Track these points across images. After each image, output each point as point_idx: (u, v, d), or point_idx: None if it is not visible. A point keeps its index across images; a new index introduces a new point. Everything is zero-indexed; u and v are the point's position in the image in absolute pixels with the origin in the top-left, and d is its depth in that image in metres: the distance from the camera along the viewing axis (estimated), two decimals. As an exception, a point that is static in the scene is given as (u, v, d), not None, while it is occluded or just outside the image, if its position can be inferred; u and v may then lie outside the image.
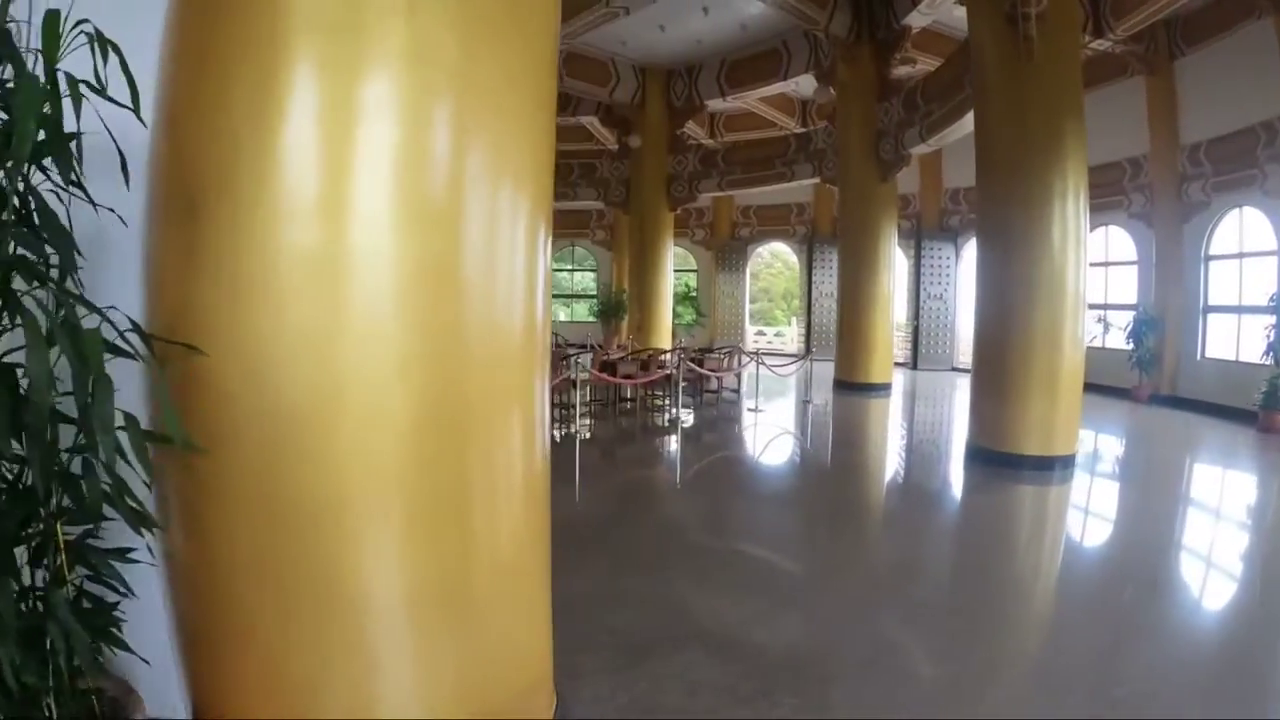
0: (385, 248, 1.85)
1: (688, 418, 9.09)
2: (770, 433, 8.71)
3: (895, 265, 11.81)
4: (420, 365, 1.91)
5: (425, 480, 1.94)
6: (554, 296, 19.55)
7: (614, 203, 15.92)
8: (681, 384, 8.41)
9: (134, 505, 1.63)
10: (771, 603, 3.62)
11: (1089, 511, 5.67)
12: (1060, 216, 6.28)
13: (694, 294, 18.84)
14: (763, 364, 10.34)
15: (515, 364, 2.17)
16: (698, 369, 9.60)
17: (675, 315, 16.86)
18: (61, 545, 1.60)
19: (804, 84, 12.98)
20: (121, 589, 1.71)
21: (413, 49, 1.87)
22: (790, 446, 8.13)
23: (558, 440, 7.23)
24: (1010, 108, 6.46)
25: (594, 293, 19.81)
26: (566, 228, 19.15)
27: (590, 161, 16.30)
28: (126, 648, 1.77)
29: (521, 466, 2.20)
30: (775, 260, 24.54)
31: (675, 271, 15.97)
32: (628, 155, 14.81)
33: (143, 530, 1.66)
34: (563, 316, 20.55)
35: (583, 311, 20.24)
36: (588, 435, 7.80)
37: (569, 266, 20.89)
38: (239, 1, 1.85)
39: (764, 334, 18.55)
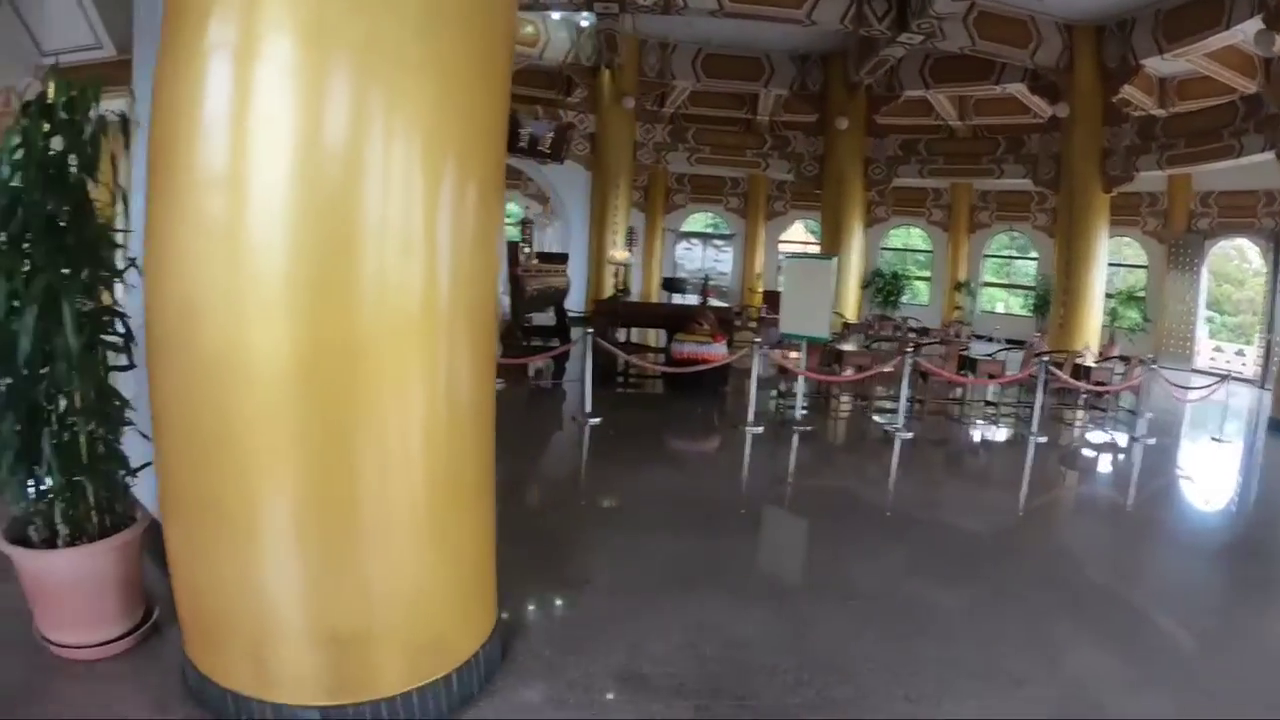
0: (278, 212, 2.13)
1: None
2: (1148, 477, 6.80)
3: None
4: (306, 320, 2.19)
5: (311, 419, 2.24)
6: (994, 286, 18.58)
7: (1043, 182, 13.80)
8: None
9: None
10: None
11: None
12: None
13: (1139, 294, 15.37)
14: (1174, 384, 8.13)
15: (413, 321, 2.33)
16: (1060, 375, 8.06)
17: (1114, 317, 14.36)
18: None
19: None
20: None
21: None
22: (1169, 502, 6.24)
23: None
24: None
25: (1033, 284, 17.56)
26: (1004, 209, 17.38)
27: (1017, 136, 14.47)
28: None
29: (421, 411, 2.40)
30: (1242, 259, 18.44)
31: (1115, 266, 13.26)
32: (1058, 128, 12.76)
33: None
34: (1000, 309, 18.71)
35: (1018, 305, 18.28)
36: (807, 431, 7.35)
37: (1007, 253, 18.87)
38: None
39: (1221, 350, 14.18)
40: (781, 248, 20.06)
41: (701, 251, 21.80)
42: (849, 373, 8.05)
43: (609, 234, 15.70)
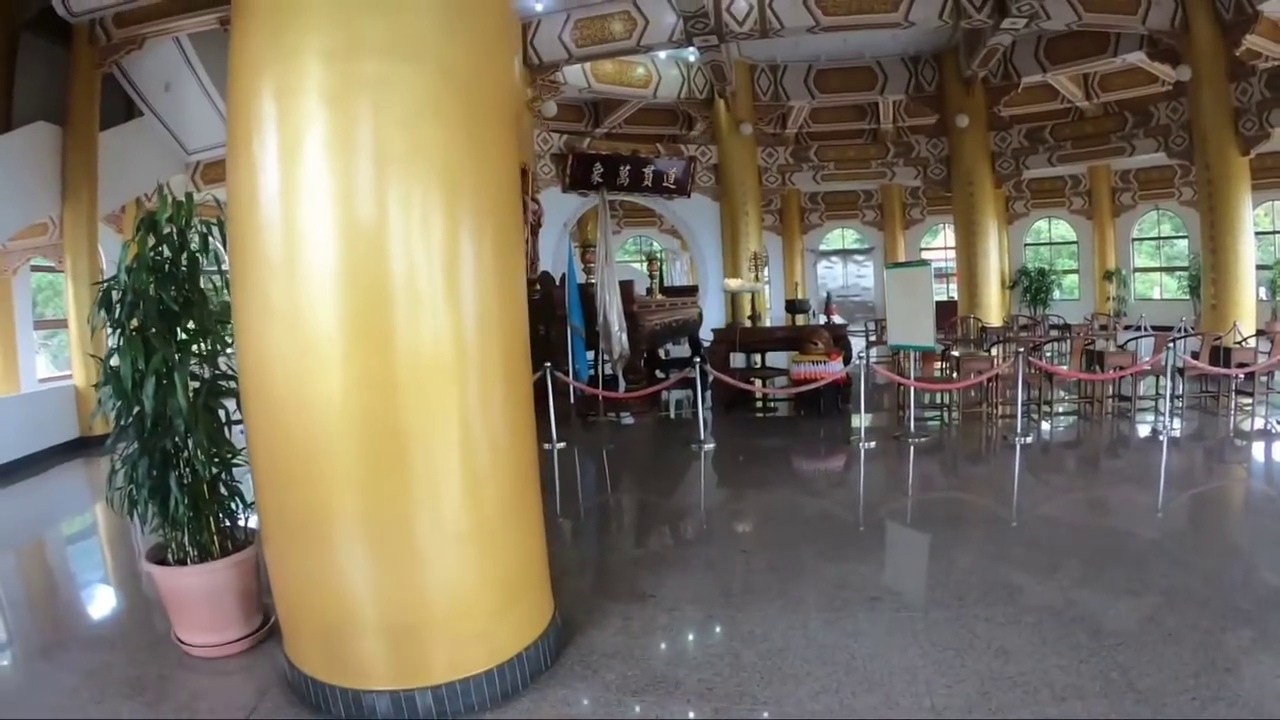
0: (329, 265, 2.57)
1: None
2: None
3: None
4: (354, 369, 2.62)
5: (365, 450, 2.66)
6: (1146, 270, 16.78)
7: (1177, 153, 12.52)
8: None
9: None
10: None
11: None
12: None
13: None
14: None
15: (446, 361, 2.72)
16: (1193, 361, 7.30)
17: (1276, 290, 13.07)
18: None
19: None
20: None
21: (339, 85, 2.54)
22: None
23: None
24: None
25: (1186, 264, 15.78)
26: (1146, 188, 15.83)
27: (1145, 109, 13.22)
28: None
29: (459, 437, 2.77)
30: None
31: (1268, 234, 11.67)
32: (1184, 93, 11.54)
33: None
34: (1156, 294, 17.00)
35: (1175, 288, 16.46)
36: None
37: (1156, 235, 17.01)
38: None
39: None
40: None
41: (843, 268, 21.43)
42: (969, 379, 7.73)
43: (744, 261, 15.93)
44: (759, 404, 9.63)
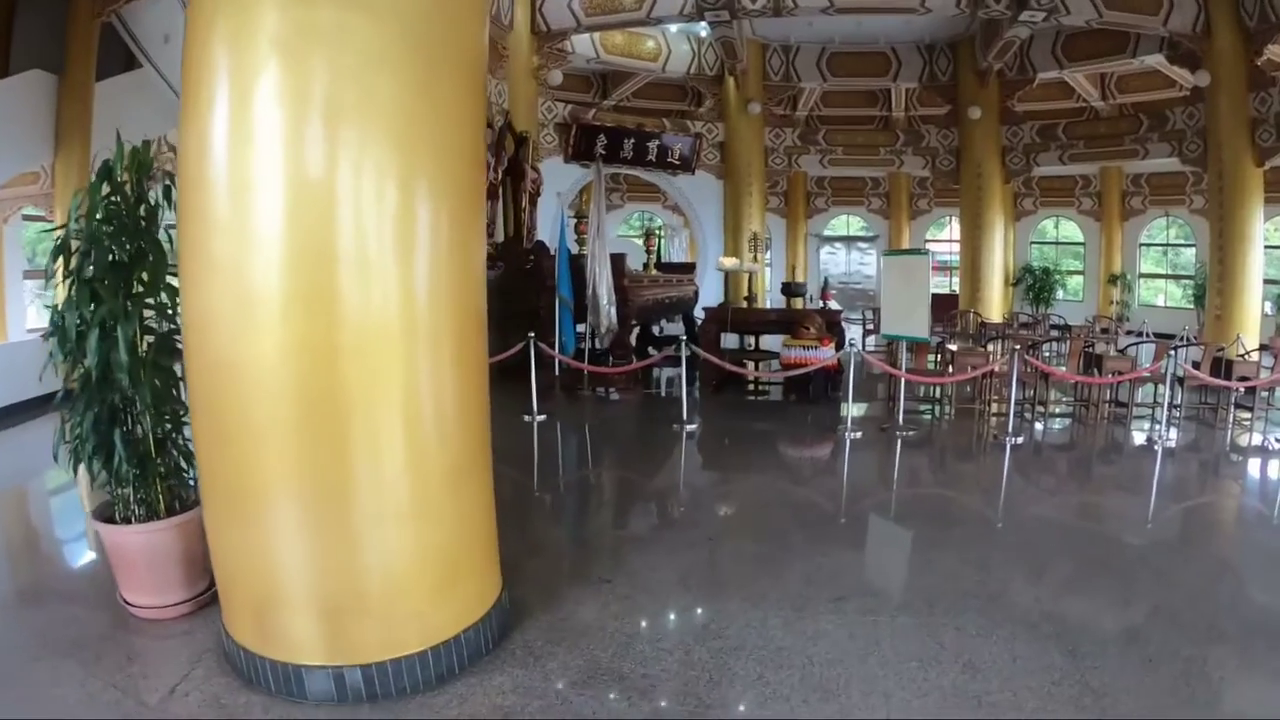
0: (280, 233, 2.44)
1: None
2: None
3: None
4: (295, 331, 2.49)
5: (303, 416, 2.54)
6: (1151, 277, 16.54)
7: (1190, 159, 12.28)
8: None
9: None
10: None
11: None
12: None
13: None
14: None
15: (390, 329, 2.60)
16: (1194, 371, 7.18)
17: None
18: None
19: None
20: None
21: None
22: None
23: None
24: None
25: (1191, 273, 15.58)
26: (1157, 194, 15.57)
27: (1160, 112, 12.96)
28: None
29: (401, 407, 2.66)
30: None
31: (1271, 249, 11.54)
32: (1201, 99, 11.29)
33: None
34: (1160, 301, 16.82)
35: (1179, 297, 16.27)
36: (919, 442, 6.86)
37: (1163, 241, 16.79)
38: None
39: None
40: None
41: (846, 255, 21.16)
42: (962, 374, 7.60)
43: (744, 242, 15.74)
44: (750, 386, 9.49)
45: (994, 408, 7.73)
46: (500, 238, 11.08)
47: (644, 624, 3.18)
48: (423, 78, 2.59)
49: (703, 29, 13.80)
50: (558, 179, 14.20)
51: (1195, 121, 12.10)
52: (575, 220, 9.77)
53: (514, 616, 3.20)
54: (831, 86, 15.42)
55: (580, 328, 9.15)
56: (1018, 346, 7.05)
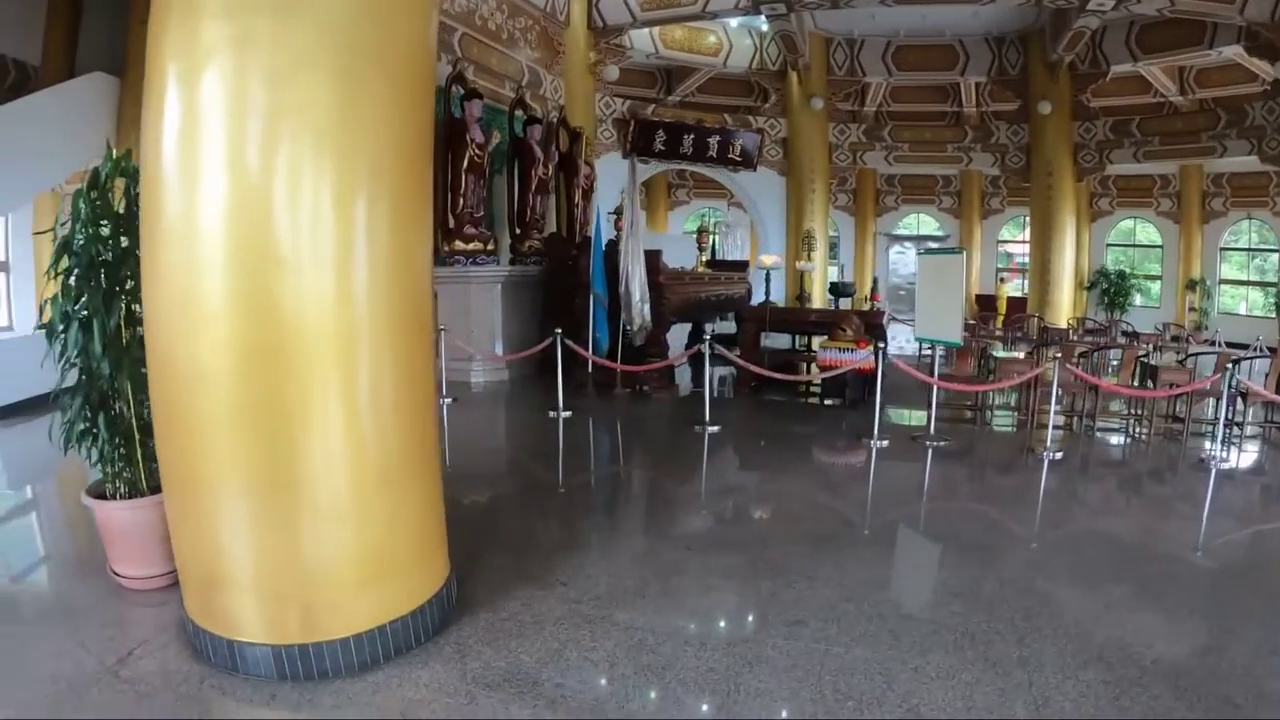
0: (220, 236, 2.56)
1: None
2: None
3: None
4: (238, 329, 2.60)
5: (245, 410, 2.65)
6: (1233, 283, 15.25)
7: (1270, 157, 11.29)
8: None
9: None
10: None
11: None
12: None
13: None
14: None
15: (328, 327, 2.67)
16: (1254, 386, 6.57)
17: None
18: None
19: None
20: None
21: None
22: None
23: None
24: None
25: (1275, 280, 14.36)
26: (1240, 195, 14.43)
27: (1241, 106, 11.94)
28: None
29: (345, 391, 2.74)
30: None
31: None
32: None
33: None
34: (1242, 309, 15.65)
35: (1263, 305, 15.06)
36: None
37: (1246, 245, 15.52)
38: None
39: None
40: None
41: (915, 255, 20.41)
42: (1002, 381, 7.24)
43: (814, 240, 15.45)
44: (790, 388, 9.25)
45: (1037, 419, 7.32)
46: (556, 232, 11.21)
47: (582, 632, 3.15)
48: (350, 80, 2.63)
49: (763, 23, 13.53)
50: (616, 175, 14.23)
51: (1275, 117, 11.12)
52: (615, 217, 9.78)
53: (458, 612, 3.24)
54: (898, 81, 14.90)
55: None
56: (1058, 354, 6.63)
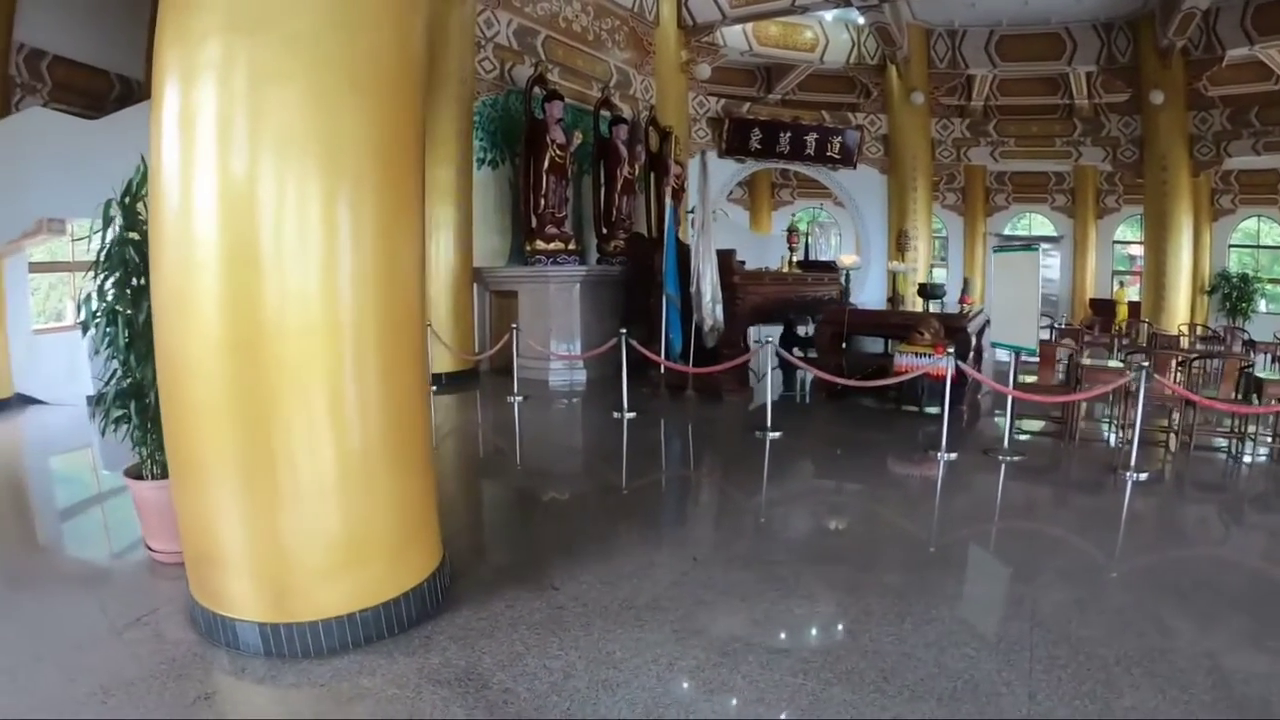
0: (210, 237, 2.68)
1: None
2: None
3: None
4: (226, 323, 2.72)
5: (235, 400, 2.77)
6: None
7: None
8: None
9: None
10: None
11: None
12: None
13: None
14: None
15: (313, 322, 2.76)
16: None
17: None
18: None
19: None
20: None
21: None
22: None
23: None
24: None
25: None
26: None
27: None
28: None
29: (327, 396, 2.83)
30: None
31: None
32: None
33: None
34: None
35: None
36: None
37: None
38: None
39: None
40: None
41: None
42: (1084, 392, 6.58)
43: (909, 239, 14.73)
44: (873, 393, 8.72)
45: (1125, 434, 6.58)
46: (646, 233, 11.20)
47: (552, 639, 3.05)
48: (318, 91, 2.69)
49: (858, 16, 12.96)
50: (711, 175, 14.05)
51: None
52: (692, 216, 9.64)
53: (445, 607, 3.25)
54: (1002, 72, 13.89)
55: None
56: (1145, 364, 5.92)
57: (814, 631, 3.24)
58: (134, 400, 3.56)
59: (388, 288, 2.95)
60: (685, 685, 2.78)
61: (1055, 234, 18.23)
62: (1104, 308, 15.18)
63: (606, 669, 2.86)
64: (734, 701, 2.70)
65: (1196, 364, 7.43)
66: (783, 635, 3.18)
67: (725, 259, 8.74)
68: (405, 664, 2.85)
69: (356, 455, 2.93)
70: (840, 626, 3.28)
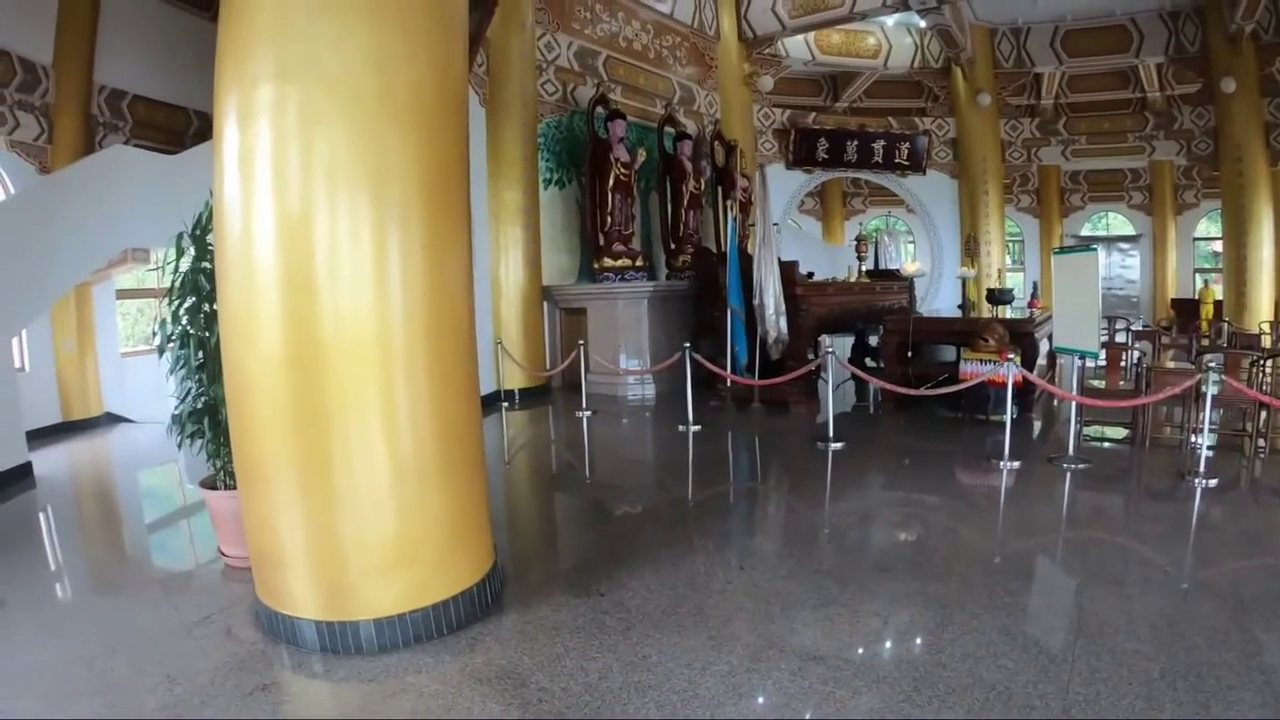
0: (268, 263, 2.89)
1: None
2: None
3: None
4: (285, 342, 2.92)
5: (295, 413, 2.97)
6: None
7: None
8: None
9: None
10: None
11: None
12: None
13: None
14: None
15: (366, 340, 2.94)
16: None
17: None
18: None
19: None
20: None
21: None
22: None
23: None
24: None
25: None
26: None
27: None
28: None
29: (378, 398, 2.99)
30: None
31: None
32: None
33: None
34: None
35: None
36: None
37: None
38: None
39: None
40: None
41: (1105, 257, 17.96)
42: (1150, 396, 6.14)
43: (983, 244, 14.21)
44: (940, 402, 8.40)
45: (1194, 439, 6.09)
46: (715, 247, 11.21)
47: (592, 641, 3.11)
48: (364, 127, 2.89)
49: (919, 19, 12.64)
50: (778, 186, 13.94)
51: None
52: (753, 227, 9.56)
53: (494, 611, 3.36)
54: (1069, 68, 13.29)
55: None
56: (1212, 364, 5.48)
57: (851, 640, 3.17)
58: (207, 416, 3.80)
59: (435, 305, 3.11)
60: (716, 687, 2.78)
61: (1134, 232, 17.19)
62: (1186, 307, 14.19)
63: (640, 672, 2.89)
64: (767, 705, 2.68)
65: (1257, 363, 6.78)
66: (819, 643, 3.13)
67: (788, 270, 8.64)
68: (450, 663, 2.97)
69: (408, 462, 3.09)
70: (879, 635, 3.21)
